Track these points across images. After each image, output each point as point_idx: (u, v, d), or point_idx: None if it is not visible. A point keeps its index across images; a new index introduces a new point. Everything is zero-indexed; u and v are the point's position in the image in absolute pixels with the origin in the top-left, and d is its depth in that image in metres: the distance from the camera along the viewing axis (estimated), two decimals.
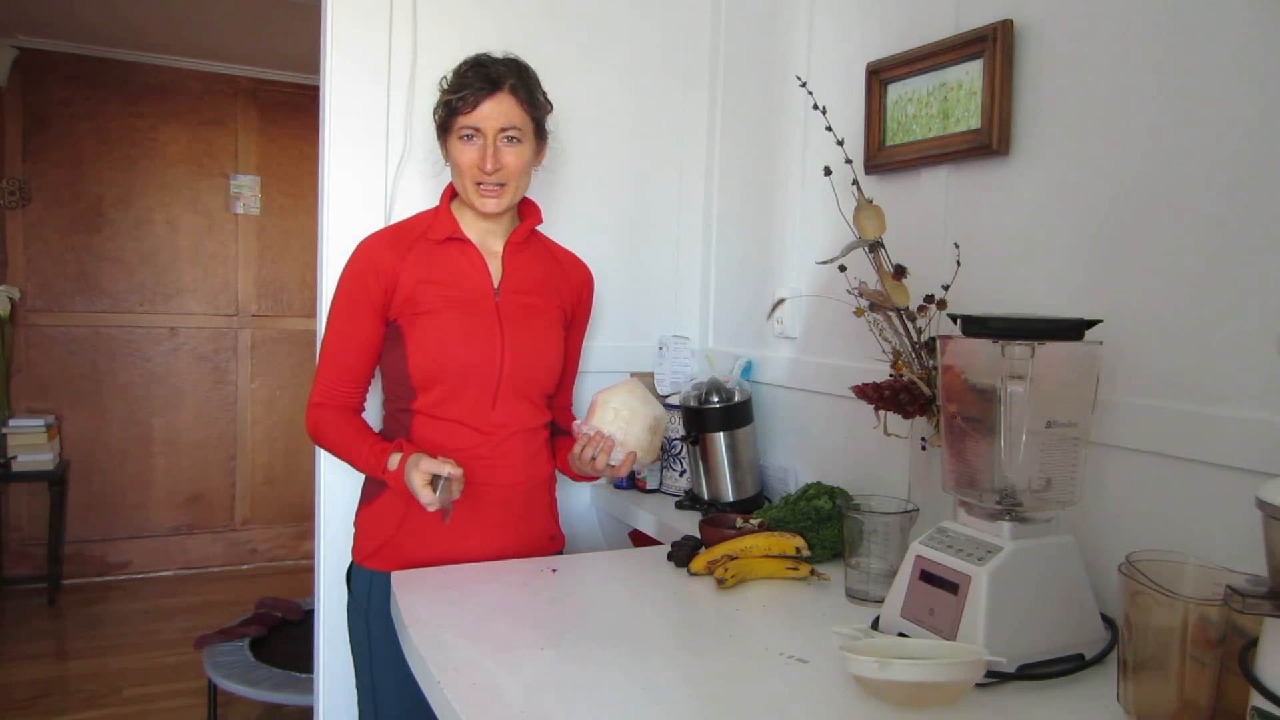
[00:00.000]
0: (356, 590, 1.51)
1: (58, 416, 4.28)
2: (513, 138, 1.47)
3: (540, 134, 1.54)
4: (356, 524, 1.55)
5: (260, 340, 4.74)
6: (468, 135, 1.46)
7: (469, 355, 1.47)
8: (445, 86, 1.50)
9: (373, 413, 1.65)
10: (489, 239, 1.55)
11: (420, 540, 1.48)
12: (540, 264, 1.60)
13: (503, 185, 1.48)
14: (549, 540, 1.60)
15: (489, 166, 1.45)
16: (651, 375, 2.15)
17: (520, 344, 1.50)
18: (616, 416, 1.46)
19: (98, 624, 3.86)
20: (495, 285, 1.52)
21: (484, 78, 1.45)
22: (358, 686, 1.53)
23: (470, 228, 1.54)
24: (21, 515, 4.28)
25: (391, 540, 1.49)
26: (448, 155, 1.52)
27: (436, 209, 1.56)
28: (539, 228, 1.62)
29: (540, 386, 1.55)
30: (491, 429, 1.49)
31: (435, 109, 1.52)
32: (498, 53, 1.52)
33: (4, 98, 4.16)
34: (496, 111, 1.45)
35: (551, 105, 1.57)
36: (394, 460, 1.41)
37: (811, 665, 1.04)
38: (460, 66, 1.50)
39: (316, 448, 1.85)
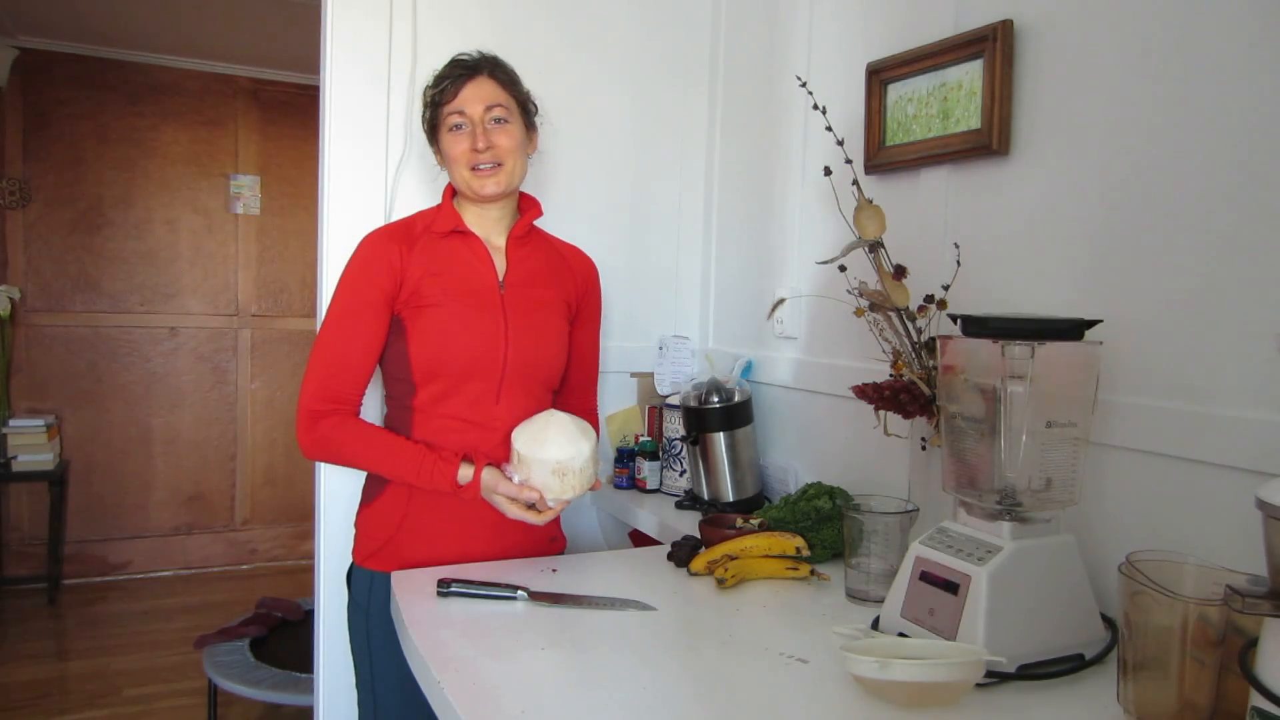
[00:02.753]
0: (357, 591, 1.51)
1: (58, 416, 4.28)
2: (499, 119, 1.49)
3: (528, 118, 1.56)
4: (357, 524, 1.55)
5: (260, 340, 4.74)
6: (456, 125, 1.48)
7: (472, 348, 1.46)
8: (426, 94, 1.53)
9: (371, 413, 1.65)
10: (492, 234, 1.56)
11: (421, 541, 1.48)
12: (543, 257, 1.60)
13: (499, 165, 1.49)
14: (549, 542, 1.59)
15: (480, 145, 1.46)
16: (651, 375, 2.15)
17: (524, 337, 1.50)
18: (520, 461, 1.41)
19: (98, 624, 3.86)
20: (500, 278, 1.53)
21: (461, 66, 1.49)
22: (358, 687, 1.52)
23: (473, 223, 1.54)
24: (21, 515, 4.28)
25: (392, 540, 1.48)
26: (441, 155, 1.53)
27: (439, 205, 1.56)
28: (538, 221, 1.62)
29: (544, 381, 1.55)
30: (494, 425, 1.49)
31: (422, 115, 1.54)
32: (476, 50, 1.54)
33: (4, 98, 4.16)
34: (478, 93, 1.48)
35: (535, 104, 1.58)
36: (465, 473, 1.41)
37: (811, 665, 1.04)
38: (440, 70, 1.53)
39: None
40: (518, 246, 1.57)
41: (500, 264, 1.54)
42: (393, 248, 1.47)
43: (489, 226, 1.55)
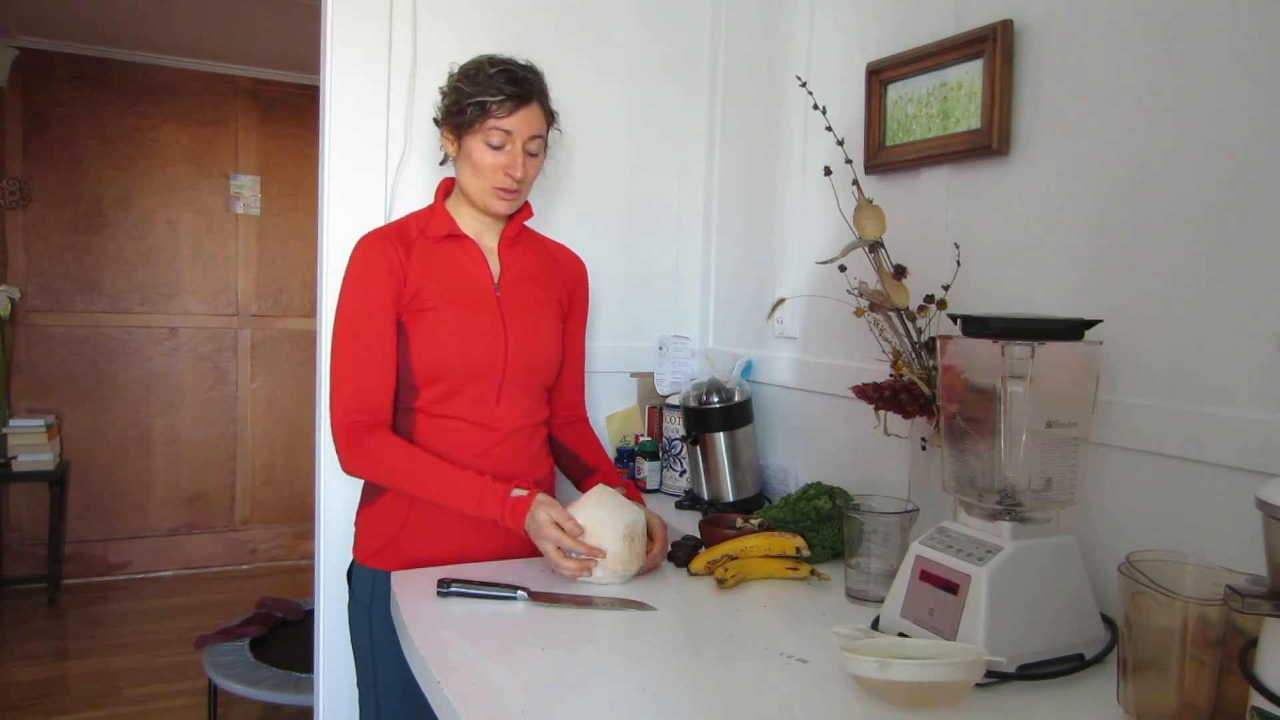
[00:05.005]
0: (359, 589, 1.51)
1: (58, 416, 4.28)
2: (534, 152, 1.50)
3: (546, 148, 1.57)
4: (357, 524, 1.55)
5: (260, 340, 4.74)
6: (498, 144, 1.46)
7: (473, 351, 1.47)
8: (464, 83, 1.47)
9: None
10: (484, 235, 1.56)
11: (422, 540, 1.48)
12: (534, 257, 1.61)
13: (518, 191, 1.50)
14: None
15: (518, 174, 1.47)
16: (651, 375, 2.15)
17: (522, 337, 1.51)
18: (585, 538, 1.33)
19: (98, 624, 3.86)
20: (495, 280, 1.53)
21: (519, 86, 1.45)
22: (359, 685, 1.52)
23: (466, 225, 1.55)
24: (21, 515, 4.28)
25: (394, 540, 1.48)
26: (460, 151, 1.50)
27: (431, 207, 1.56)
28: (528, 222, 1.63)
29: (542, 380, 1.56)
30: (495, 425, 1.49)
31: (456, 104, 1.47)
32: (521, 59, 1.51)
33: (4, 98, 4.16)
34: (528, 121, 1.47)
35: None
36: (519, 491, 1.38)
37: (811, 665, 1.04)
38: (486, 68, 1.46)
39: (317, 447, 1.85)
40: (510, 247, 1.57)
41: (494, 265, 1.55)
42: (393, 250, 1.47)
43: (480, 228, 1.56)
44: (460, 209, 1.55)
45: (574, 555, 1.32)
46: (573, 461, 1.67)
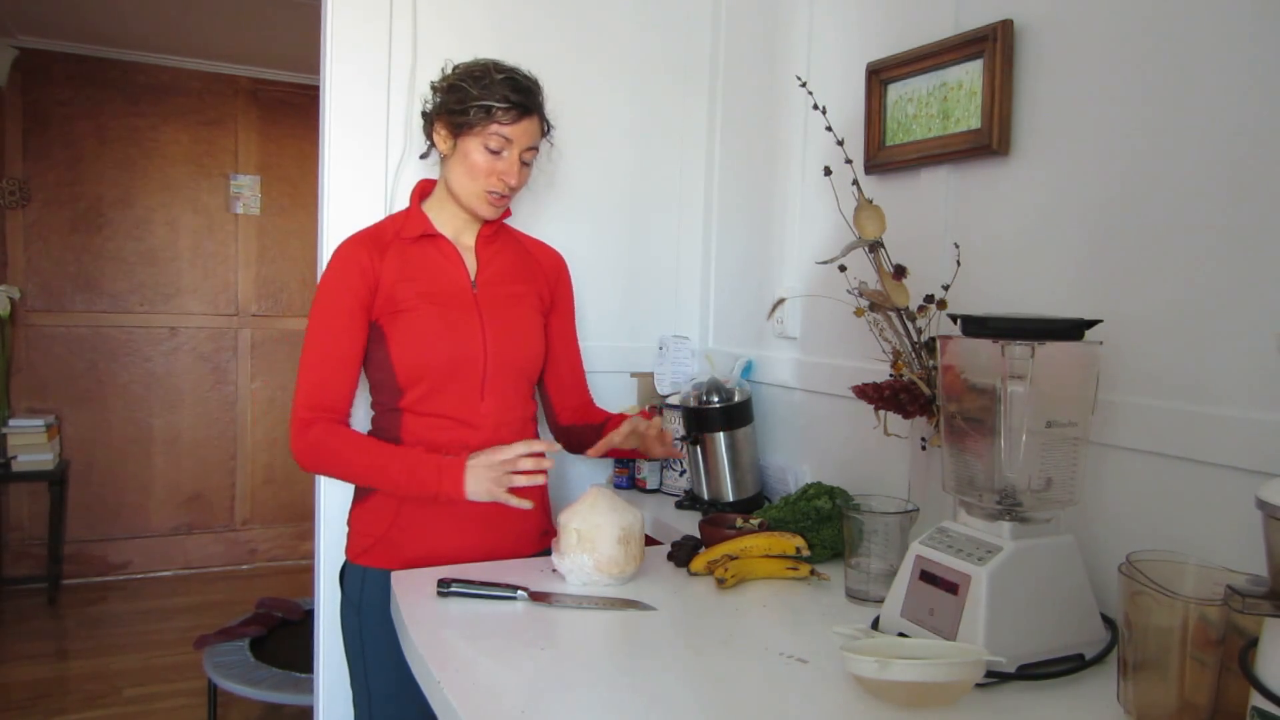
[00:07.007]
0: (349, 587, 1.52)
1: (58, 416, 4.28)
2: (528, 161, 1.52)
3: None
4: (349, 521, 1.56)
5: (260, 340, 4.74)
6: (496, 149, 1.47)
7: (452, 348, 1.48)
8: (469, 84, 1.46)
9: (359, 418, 1.65)
10: (462, 234, 1.58)
11: (413, 536, 1.48)
12: (512, 254, 1.62)
13: (506, 198, 1.52)
14: (542, 536, 1.60)
15: (514, 182, 1.49)
16: (651, 375, 2.15)
17: (501, 333, 1.52)
18: (580, 539, 1.31)
19: (98, 624, 3.86)
20: (472, 278, 1.54)
21: (523, 95, 1.47)
22: (352, 684, 1.52)
23: (444, 225, 1.56)
24: (21, 515, 4.28)
25: (385, 537, 1.49)
26: (454, 150, 1.50)
27: (407, 210, 1.58)
28: (508, 220, 1.64)
29: (526, 375, 1.57)
30: (480, 421, 1.50)
31: (459, 103, 1.47)
32: (522, 69, 1.52)
33: (4, 98, 4.16)
34: (529, 131, 1.49)
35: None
36: (451, 459, 1.41)
37: (811, 665, 1.04)
38: (492, 73, 1.47)
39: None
40: (487, 244, 1.59)
41: (471, 263, 1.56)
42: (364, 253, 1.49)
43: (459, 227, 1.57)
44: (443, 208, 1.56)
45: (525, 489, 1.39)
46: (587, 432, 1.67)
